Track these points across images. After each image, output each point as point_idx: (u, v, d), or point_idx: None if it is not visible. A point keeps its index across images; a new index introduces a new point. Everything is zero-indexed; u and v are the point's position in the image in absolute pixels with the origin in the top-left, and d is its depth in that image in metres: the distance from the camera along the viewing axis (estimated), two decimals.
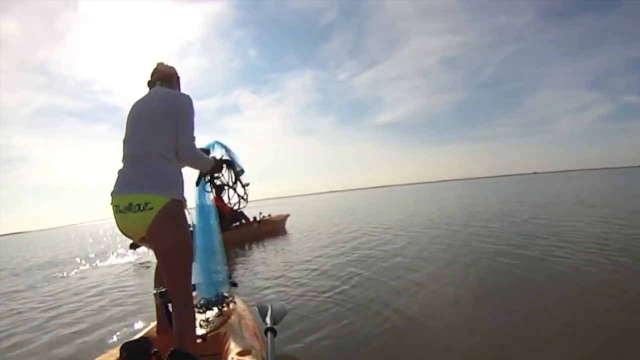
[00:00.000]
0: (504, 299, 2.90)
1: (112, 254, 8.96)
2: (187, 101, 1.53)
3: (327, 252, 5.64)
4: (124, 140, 1.52)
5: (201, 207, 2.03)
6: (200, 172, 1.86)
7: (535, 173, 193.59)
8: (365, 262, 4.59)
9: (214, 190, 2.00)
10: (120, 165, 1.50)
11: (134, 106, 1.58)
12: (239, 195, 1.99)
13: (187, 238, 1.48)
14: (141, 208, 1.35)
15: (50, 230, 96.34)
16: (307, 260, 5.10)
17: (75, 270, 6.94)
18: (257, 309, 2.22)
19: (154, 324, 1.73)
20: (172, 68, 1.72)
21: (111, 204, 1.44)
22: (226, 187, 1.98)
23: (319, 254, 5.48)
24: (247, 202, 2.03)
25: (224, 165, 1.91)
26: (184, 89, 1.73)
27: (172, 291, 1.47)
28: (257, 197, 9.02)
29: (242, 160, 1.97)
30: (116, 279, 5.47)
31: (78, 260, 8.64)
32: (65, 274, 6.60)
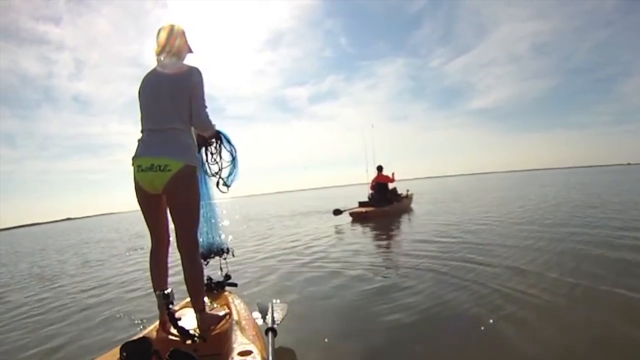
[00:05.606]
0: None
1: (319, 217, 11.72)
2: (198, 75, 1.69)
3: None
4: (141, 114, 1.69)
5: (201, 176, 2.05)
6: (204, 138, 1.99)
7: (629, 164, 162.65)
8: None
9: (213, 156, 2.06)
10: (140, 135, 1.68)
11: (148, 80, 1.72)
12: (219, 169, 2.04)
13: (196, 198, 1.67)
14: (161, 169, 1.55)
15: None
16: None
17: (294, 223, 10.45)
18: (257, 308, 2.26)
19: (155, 324, 1.75)
20: (181, 36, 1.80)
21: (133, 164, 1.63)
22: (211, 158, 2.05)
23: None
24: (227, 186, 2.05)
25: (221, 138, 2.00)
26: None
27: (182, 245, 1.63)
28: (351, 182, 10.63)
29: (236, 147, 2.04)
30: (323, 232, 7.90)
31: (284, 218, 12.83)
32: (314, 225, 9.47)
